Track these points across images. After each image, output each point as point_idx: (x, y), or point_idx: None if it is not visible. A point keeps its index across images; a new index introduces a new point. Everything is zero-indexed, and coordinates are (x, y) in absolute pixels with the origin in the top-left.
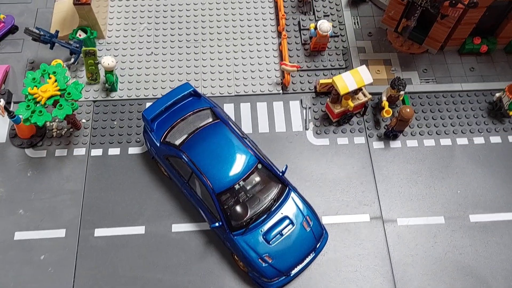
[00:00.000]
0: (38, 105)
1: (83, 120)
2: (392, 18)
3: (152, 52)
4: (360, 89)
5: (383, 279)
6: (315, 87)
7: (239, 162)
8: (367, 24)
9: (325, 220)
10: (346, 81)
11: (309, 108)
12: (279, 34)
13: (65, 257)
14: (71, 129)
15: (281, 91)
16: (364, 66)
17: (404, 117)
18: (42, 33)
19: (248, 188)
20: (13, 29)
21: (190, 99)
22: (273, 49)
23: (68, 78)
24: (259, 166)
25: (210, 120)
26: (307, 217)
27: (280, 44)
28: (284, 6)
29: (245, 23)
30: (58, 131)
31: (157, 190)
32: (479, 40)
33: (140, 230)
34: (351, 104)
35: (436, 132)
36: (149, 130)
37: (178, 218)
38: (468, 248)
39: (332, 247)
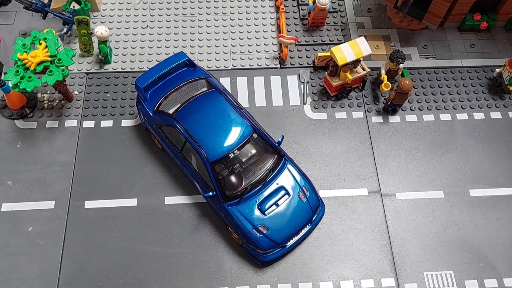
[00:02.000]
0: (27, 71)
1: (75, 92)
2: None
3: (147, 26)
4: (358, 61)
5: (380, 253)
6: (313, 62)
7: (234, 131)
8: (366, 0)
9: (321, 194)
10: (344, 52)
11: (307, 82)
12: (277, 9)
13: (54, 228)
14: (62, 101)
15: (278, 66)
16: (362, 38)
17: (403, 89)
18: (34, 1)
19: (243, 158)
20: (6, 1)
21: (184, 69)
22: (270, 24)
23: (59, 45)
24: (255, 135)
25: (205, 89)
26: (304, 188)
27: (278, 18)
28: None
29: (242, 5)
30: (49, 103)
31: (150, 162)
32: (479, 16)
33: (132, 202)
34: (350, 76)
35: (436, 108)
36: (142, 99)
37: (171, 190)
38: (467, 223)
39: (328, 220)
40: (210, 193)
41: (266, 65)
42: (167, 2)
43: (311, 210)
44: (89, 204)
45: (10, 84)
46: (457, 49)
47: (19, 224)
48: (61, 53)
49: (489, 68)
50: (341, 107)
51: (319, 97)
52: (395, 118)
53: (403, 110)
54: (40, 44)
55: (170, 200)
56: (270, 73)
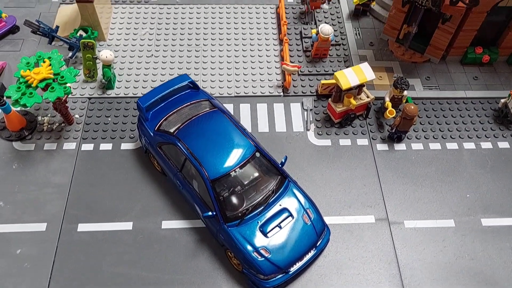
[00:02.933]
0: (29, 88)
1: (76, 116)
2: (393, 28)
3: (152, 55)
4: (362, 88)
5: (389, 283)
6: (317, 91)
7: (236, 150)
8: (368, 35)
9: (326, 220)
10: (348, 77)
11: (310, 110)
12: (281, 42)
13: (43, 251)
14: (62, 124)
15: (282, 94)
16: (366, 63)
17: (409, 114)
18: (41, 25)
19: (245, 177)
20: (14, 29)
21: (187, 91)
22: (274, 55)
23: (63, 63)
24: (257, 154)
25: (208, 109)
26: (308, 210)
27: (281, 50)
28: (286, 17)
29: (247, 31)
30: (49, 126)
31: (148, 186)
32: (481, 50)
33: (127, 226)
34: (354, 102)
35: (442, 136)
36: (143, 119)
37: (169, 214)
38: (480, 253)
39: (333, 248)
40: (210, 213)
41: (270, 93)
42: (173, 34)
43: (316, 234)
44: (82, 227)
45: (10, 103)
46: (460, 81)
47: (7, 246)
48: (64, 71)
49: (493, 100)
50: (345, 134)
51: (323, 124)
52: (400, 146)
53: (408, 138)
54: (44, 62)
55: (167, 224)
56: (273, 101)
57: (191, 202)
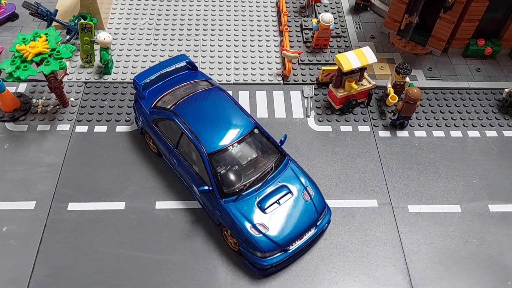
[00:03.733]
0: (24, 62)
1: (72, 99)
2: (394, 20)
3: (151, 43)
4: (364, 71)
5: (393, 267)
6: (317, 79)
7: (235, 125)
8: (369, 28)
9: (327, 203)
10: (349, 59)
11: (311, 97)
12: (281, 33)
13: (31, 230)
14: (57, 106)
15: (281, 82)
16: (368, 47)
17: (412, 97)
18: (40, 7)
19: (242, 153)
20: (13, 17)
21: (186, 72)
22: (274, 45)
23: (60, 39)
24: (256, 131)
25: (206, 87)
26: (308, 188)
27: (281, 40)
28: (286, 9)
29: (247, 22)
30: (43, 107)
31: (142, 167)
32: (483, 42)
33: (119, 205)
34: (355, 86)
35: (445, 125)
36: (139, 97)
37: (163, 195)
38: (489, 238)
39: (335, 231)
40: (206, 187)
41: (269, 80)
42: (172, 23)
43: (317, 212)
44: (72, 206)
45: (4, 77)
46: (463, 72)
47: None
48: (61, 46)
49: (497, 90)
50: (346, 121)
51: (323, 111)
52: (403, 133)
53: (411, 126)
54: (41, 37)
55: (161, 204)
56: (273, 88)
57: (187, 181)
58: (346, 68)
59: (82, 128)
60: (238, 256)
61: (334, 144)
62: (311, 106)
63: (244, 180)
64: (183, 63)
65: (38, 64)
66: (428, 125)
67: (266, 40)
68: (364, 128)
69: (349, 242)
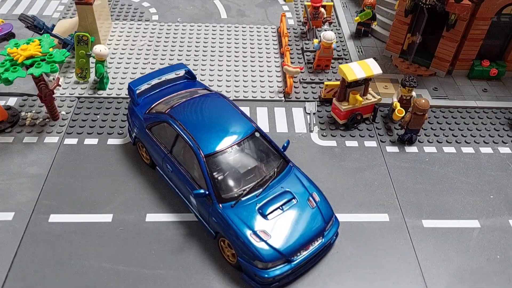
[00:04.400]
0: (14, 65)
1: (63, 112)
2: (395, 43)
3: (149, 62)
4: (369, 82)
5: (411, 284)
6: (319, 96)
7: (234, 128)
8: (370, 52)
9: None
10: (353, 69)
11: (314, 113)
12: (282, 55)
13: (5, 241)
14: (47, 120)
15: (283, 99)
16: (372, 59)
17: (420, 108)
18: (36, 20)
19: (242, 157)
20: (10, 36)
21: (184, 81)
22: (275, 65)
23: (54, 44)
24: (257, 134)
25: (205, 92)
26: (313, 194)
27: (282, 61)
28: (287, 33)
29: (247, 45)
30: (32, 120)
31: (133, 179)
32: (488, 63)
33: (106, 218)
34: (360, 98)
35: (456, 141)
36: (133, 103)
37: (155, 207)
38: None
39: (343, 245)
40: (201, 191)
41: (270, 97)
42: (172, 44)
43: (324, 220)
44: (54, 218)
45: None
46: (469, 92)
47: None
48: (54, 51)
49: (506, 110)
50: (352, 136)
51: (327, 127)
52: (412, 149)
53: (420, 142)
54: (34, 41)
55: (152, 217)
56: (274, 105)
57: (182, 190)
58: (350, 78)
59: (71, 141)
60: (236, 271)
61: (339, 158)
62: (314, 122)
63: (244, 185)
64: (181, 72)
65: (28, 67)
66: (437, 141)
67: (267, 61)
68: (371, 143)
69: (359, 257)
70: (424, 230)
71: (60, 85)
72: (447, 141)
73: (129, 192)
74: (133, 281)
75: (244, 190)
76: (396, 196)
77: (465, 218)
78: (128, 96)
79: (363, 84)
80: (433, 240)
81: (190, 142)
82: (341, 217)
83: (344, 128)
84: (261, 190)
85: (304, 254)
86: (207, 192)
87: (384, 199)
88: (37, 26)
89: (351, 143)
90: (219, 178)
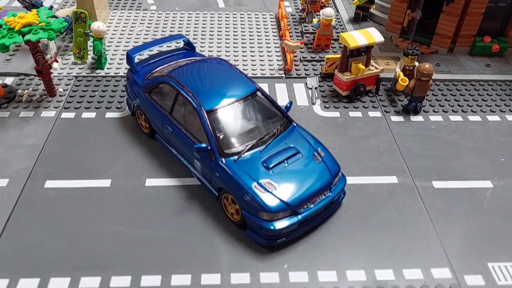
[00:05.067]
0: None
1: (60, 89)
2: (395, 23)
3: (149, 39)
4: (370, 51)
5: (424, 240)
6: (321, 73)
7: (236, 86)
8: None
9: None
10: (355, 37)
11: (315, 88)
12: (281, 38)
13: None
14: (44, 96)
15: (283, 75)
16: (373, 28)
17: (424, 73)
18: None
19: (244, 114)
20: None
21: (183, 51)
22: (274, 47)
23: (52, 14)
24: (259, 93)
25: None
26: (319, 150)
27: (281, 44)
28: (286, 15)
29: (246, 29)
30: (28, 97)
31: (132, 149)
32: (489, 39)
33: (104, 183)
34: (362, 67)
35: (462, 110)
36: (132, 71)
37: (155, 173)
38: None
39: (352, 205)
40: (203, 145)
41: (271, 74)
42: (171, 27)
43: (330, 174)
44: (50, 184)
45: None
46: (472, 68)
47: None
48: (52, 20)
49: (511, 81)
50: (355, 107)
51: (330, 100)
52: (417, 118)
53: (425, 111)
54: (31, 11)
55: (152, 182)
56: (275, 81)
57: (183, 152)
58: (352, 44)
59: (68, 115)
60: (240, 230)
61: (343, 127)
62: (316, 96)
63: (247, 141)
64: (180, 42)
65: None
66: (443, 110)
67: (266, 43)
68: (375, 114)
69: (369, 217)
70: (435, 190)
71: (57, 61)
72: (453, 111)
73: (128, 160)
74: (133, 242)
75: (246, 146)
76: (403, 160)
77: (476, 179)
78: (125, 75)
79: (365, 54)
80: (445, 199)
81: (190, 99)
82: (348, 180)
83: (347, 100)
84: (264, 146)
85: (311, 207)
86: (209, 147)
87: (391, 163)
88: (35, 5)
89: (355, 114)
90: (221, 133)
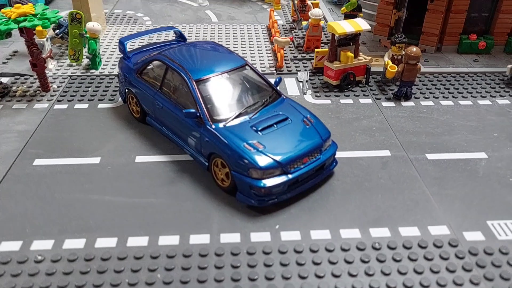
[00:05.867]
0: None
1: (54, 86)
2: (383, 26)
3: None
4: (358, 39)
5: (420, 202)
6: (311, 69)
7: (225, 60)
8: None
9: (337, 155)
10: (342, 25)
11: (306, 81)
12: (272, 43)
13: None
14: (38, 91)
15: (275, 72)
16: (360, 18)
17: (412, 55)
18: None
19: (233, 85)
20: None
21: (175, 42)
22: (266, 49)
23: (47, 7)
24: (248, 68)
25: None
26: (308, 117)
27: (272, 46)
28: (276, 21)
29: (238, 38)
30: (22, 92)
31: (123, 132)
32: (475, 37)
33: (94, 160)
34: (351, 54)
35: (453, 96)
36: (124, 57)
37: (145, 151)
38: None
39: (345, 174)
40: (192, 110)
41: (262, 71)
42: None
43: (320, 137)
44: (39, 162)
45: None
46: (460, 62)
47: None
48: (47, 11)
49: (500, 73)
50: (346, 96)
51: (321, 89)
52: (408, 103)
53: (416, 98)
54: (27, 3)
55: (142, 158)
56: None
57: (174, 126)
58: (339, 31)
59: (61, 106)
60: (230, 196)
61: (335, 112)
62: (307, 87)
63: (236, 108)
64: (171, 31)
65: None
66: (434, 96)
67: (258, 48)
68: (366, 101)
69: (362, 184)
70: (429, 161)
71: (52, 57)
72: (443, 96)
73: (119, 141)
74: (121, 209)
75: (235, 113)
76: (396, 137)
77: (470, 151)
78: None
79: (353, 44)
80: (439, 168)
81: (180, 71)
82: (341, 154)
83: (337, 90)
84: (253, 114)
85: (302, 167)
86: (198, 113)
87: (384, 140)
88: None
89: (346, 101)
90: (210, 101)
